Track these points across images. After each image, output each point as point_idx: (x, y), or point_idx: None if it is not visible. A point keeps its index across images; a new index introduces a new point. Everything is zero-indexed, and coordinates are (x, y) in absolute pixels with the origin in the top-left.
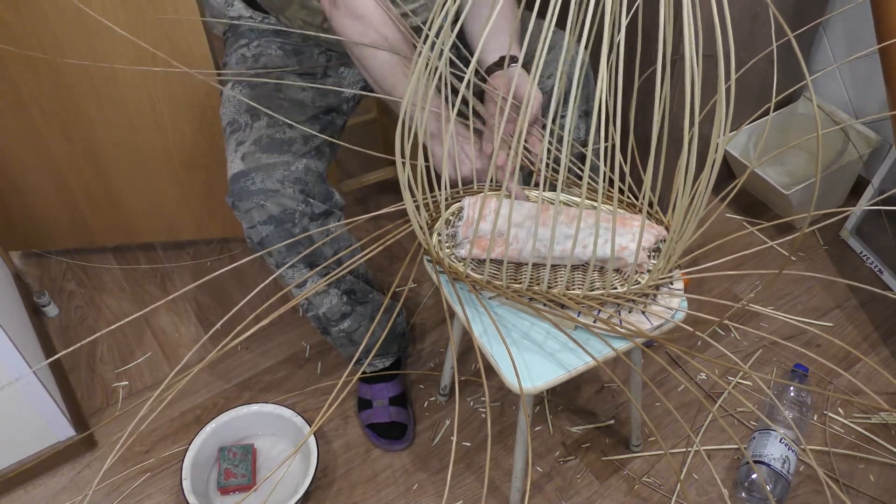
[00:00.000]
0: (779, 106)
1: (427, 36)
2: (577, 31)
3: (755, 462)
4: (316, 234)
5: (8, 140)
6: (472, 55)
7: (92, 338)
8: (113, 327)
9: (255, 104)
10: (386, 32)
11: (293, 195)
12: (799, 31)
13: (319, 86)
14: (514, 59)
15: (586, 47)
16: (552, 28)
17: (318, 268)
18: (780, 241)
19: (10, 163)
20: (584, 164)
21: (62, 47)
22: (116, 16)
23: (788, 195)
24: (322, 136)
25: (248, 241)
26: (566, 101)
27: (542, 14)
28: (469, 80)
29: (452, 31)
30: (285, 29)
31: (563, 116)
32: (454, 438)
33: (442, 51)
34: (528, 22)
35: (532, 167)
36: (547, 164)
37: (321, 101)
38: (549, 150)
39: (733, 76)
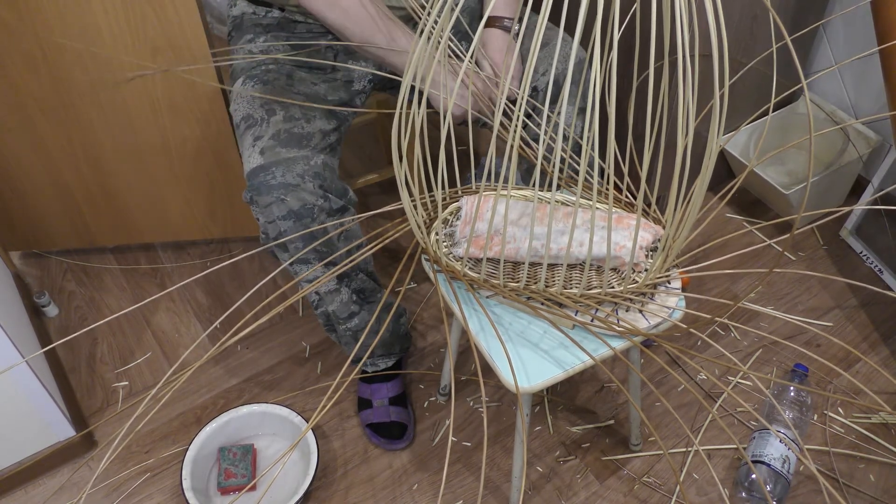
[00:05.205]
0: (780, 105)
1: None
2: (573, 27)
3: (755, 462)
4: (331, 228)
5: (8, 140)
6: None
7: (86, 329)
8: (108, 319)
9: (270, 98)
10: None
11: (313, 190)
12: (797, 35)
13: (345, 63)
14: (509, 20)
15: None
16: (545, 23)
17: (330, 259)
18: (777, 239)
19: (11, 163)
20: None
21: (62, 48)
22: (117, 16)
23: (788, 195)
24: (337, 132)
25: (262, 236)
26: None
27: (536, 9)
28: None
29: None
30: (288, 18)
31: (559, 113)
32: (452, 438)
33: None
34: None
35: (533, 161)
36: (547, 159)
37: (333, 96)
38: (548, 146)
39: (727, 81)
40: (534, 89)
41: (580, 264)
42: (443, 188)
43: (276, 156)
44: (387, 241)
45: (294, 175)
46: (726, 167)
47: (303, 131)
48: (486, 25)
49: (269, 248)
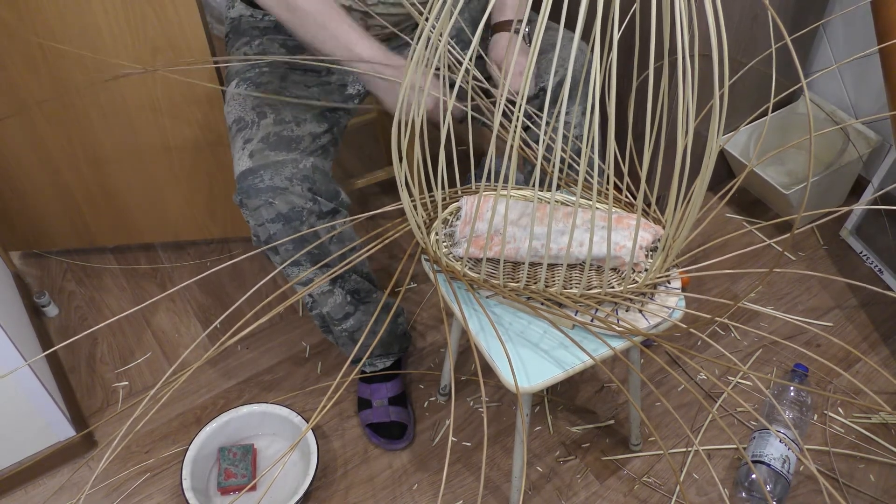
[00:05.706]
0: (780, 105)
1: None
2: (573, 27)
3: (755, 462)
4: (322, 231)
5: (8, 140)
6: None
7: (88, 331)
8: (110, 321)
9: (262, 97)
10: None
11: (301, 193)
12: (797, 35)
13: (335, 65)
14: (519, 23)
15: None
16: (545, 23)
17: (324, 263)
18: (777, 239)
19: (11, 163)
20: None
21: (62, 48)
22: (117, 16)
23: (788, 195)
24: (329, 133)
25: (254, 238)
26: (569, 98)
27: (536, 9)
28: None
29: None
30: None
31: (558, 114)
32: (452, 438)
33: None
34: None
35: (534, 161)
36: (547, 160)
37: (326, 99)
38: (549, 146)
39: (727, 80)
40: (542, 90)
41: (580, 264)
42: (443, 188)
43: (265, 159)
44: (385, 241)
45: (282, 178)
46: (726, 167)
47: (292, 134)
48: (496, 30)
49: (262, 251)
